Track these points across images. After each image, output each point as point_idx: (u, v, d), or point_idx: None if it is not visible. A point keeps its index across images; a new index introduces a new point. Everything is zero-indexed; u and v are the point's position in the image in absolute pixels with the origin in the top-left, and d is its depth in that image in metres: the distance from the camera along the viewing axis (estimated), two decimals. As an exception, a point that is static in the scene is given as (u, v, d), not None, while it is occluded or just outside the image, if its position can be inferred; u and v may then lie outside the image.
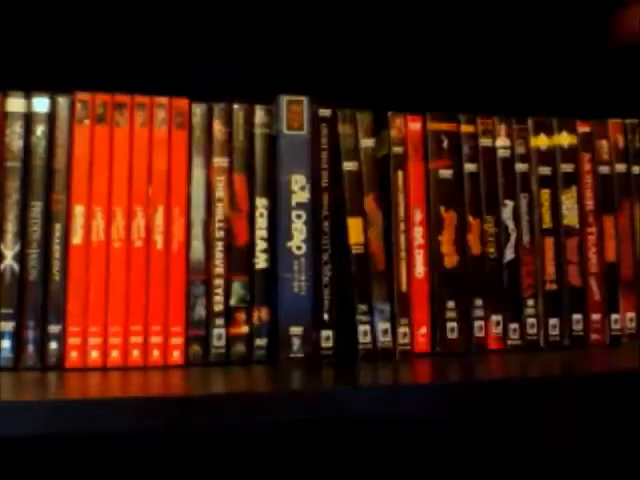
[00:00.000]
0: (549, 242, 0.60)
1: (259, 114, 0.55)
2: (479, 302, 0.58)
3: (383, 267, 0.56)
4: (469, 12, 0.73)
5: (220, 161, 0.54)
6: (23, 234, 0.50)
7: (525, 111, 0.61)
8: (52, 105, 0.52)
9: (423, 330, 0.56)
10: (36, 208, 0.51)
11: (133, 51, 0.69)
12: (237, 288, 0.53)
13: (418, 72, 0.72)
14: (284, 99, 0.55)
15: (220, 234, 0.53)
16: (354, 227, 0.55)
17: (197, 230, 0.53)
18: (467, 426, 0.74)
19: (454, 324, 0.57)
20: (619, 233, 0.62)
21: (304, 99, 0.55)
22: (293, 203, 0.53)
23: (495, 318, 0.58)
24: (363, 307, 0.55)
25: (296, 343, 0.52)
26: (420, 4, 0.72)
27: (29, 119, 0.52)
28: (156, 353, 0.51)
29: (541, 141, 0.61)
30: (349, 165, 0.56)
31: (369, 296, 0.55)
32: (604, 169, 0.62)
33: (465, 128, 0.59)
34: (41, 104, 0.52)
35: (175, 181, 0.53)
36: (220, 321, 0.52)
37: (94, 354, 0.50)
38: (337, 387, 0.42)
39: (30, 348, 0.50)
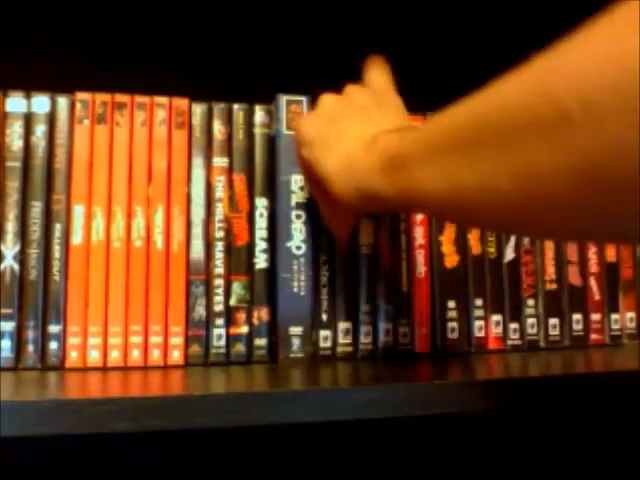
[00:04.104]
0: (549, 242, 0.60)
1: (259, 114, 0.55)
2: (479, 302, 0.58)
3: (388, 267, 0.56)
4: (469, 11, 0.73)
5: (220, 161, 0.54)
6: (23, 234, 0.50)
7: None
8: (52, 105, 0.52)
9: (423, 330, 0.56)
10: (36, 208, 0.51)
11: (133, 51, 0.69)
12: (237, 288, 0.53)
13: (418, 72, 0.72)
14: (284, 99, 0.55)
15: (220, 234, 0.53)
16: (364, 227, 0.55)
17: (197, 230, 0.53)
18: (467, 427, 0.74)
19: (454, 324, 0.57)
20: (619, 233, 0.61)
21: (304, 99, 0.55)
22: (293, 203, 0.53)
23: (495, 318, 0.58)
24: (366, 307, 0.55)
25: (296, 343, 0.52)
26: (418, 4, 0.72)
27: (29, 119, 0.52)
28: (156, 353, 0.51)
29: (541, 141, 0.61)
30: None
31: (374, 296, 0.55)
32: (604, 169, 0.62)
33: (465, 128, 0.59)
34: (41, 104, 0.52)
35: (175, 181, 0.53)
36: (220, 321, 0.52)
37: (94, 354, 0.50)
38: (337, 387, 0.42)
39: (30, 348, 0.50)
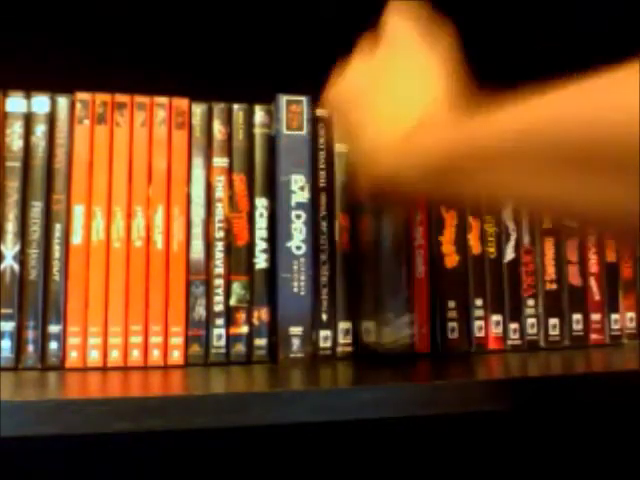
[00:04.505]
0: (549, 242, 0.60)
1: (259, 114, 0.55)
2: (479, 302, 0.58)
3: (388, 267, 0.56)
4: (467, 12, 0.73)
5: (220, 161, 0.54)
6: (23, 234, 0.50)
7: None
8: (52, 105, 0.52)
9: (423, 330, 0.56)
10: (36, 208, 0.51)
11: (133, 51, 0.69)
12: (237, 288, 0.53)
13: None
14: (283, 99, 0.55)
15: (220, 234, 0.53)
16: (364, 227, 0.56)
17: (197, 230, 0.53)
18: (467, 427, 0.74)
19: (454, 324, 0.57)
20: (619, 233, 0.62)
21: (304, 99, 0.55)
22: (293, 203, 0.53)
23: (495, 318, 0.58)
24: (366, 307, 0.55)
25: (296, 343, 0.52)
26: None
27: (29, 119, 0.52)
28: (156, 353, 0.51)
29: (541, 141, 0.61)
30: (349, 165, 0.56)
31: (374, 296, 0.55)
32: (604, 169, 0.62)
33: (465, 128, 0.59)
34: (41, 104, 0.52)
35: (175, 181, 0.53)
36: (220, 321, 0.52)
37: (94, 354, 0.50)
38: (337, 387, 0.42)
39: (30, 348, 0.50)
